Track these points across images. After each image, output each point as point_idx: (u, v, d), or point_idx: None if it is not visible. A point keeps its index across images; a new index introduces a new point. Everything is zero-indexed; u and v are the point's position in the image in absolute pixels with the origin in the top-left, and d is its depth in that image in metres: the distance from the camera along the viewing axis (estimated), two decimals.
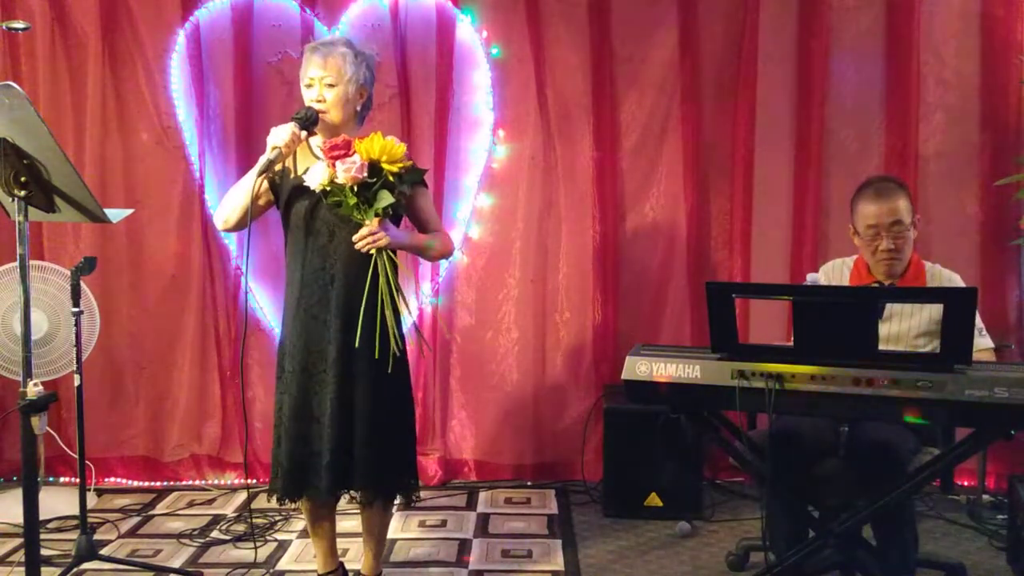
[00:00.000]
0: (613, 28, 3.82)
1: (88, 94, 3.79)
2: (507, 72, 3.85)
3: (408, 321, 2.69)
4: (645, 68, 3.84)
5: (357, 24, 3.85)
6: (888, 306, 2.68)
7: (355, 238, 2.41)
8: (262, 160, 2.42)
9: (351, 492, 2.57)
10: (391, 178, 2.39)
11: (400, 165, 2.41)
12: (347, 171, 2.33)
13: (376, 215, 2.40)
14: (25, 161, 2.15)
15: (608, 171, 3.86)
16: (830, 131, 3.79)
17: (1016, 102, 3.70)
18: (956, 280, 2.73)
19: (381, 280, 2.43)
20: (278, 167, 2.51)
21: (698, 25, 3.80)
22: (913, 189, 3.63)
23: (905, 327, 2.67)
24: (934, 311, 2.61)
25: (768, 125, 3.80)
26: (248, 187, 2.47)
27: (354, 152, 2.36)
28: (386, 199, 2.39)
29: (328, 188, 2.37)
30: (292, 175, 2.51)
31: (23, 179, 2.16)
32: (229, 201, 2.54)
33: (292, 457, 2.50)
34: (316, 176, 2.38)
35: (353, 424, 2.49)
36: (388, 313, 2.44)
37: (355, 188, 2.36)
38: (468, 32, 3.84)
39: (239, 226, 2.56)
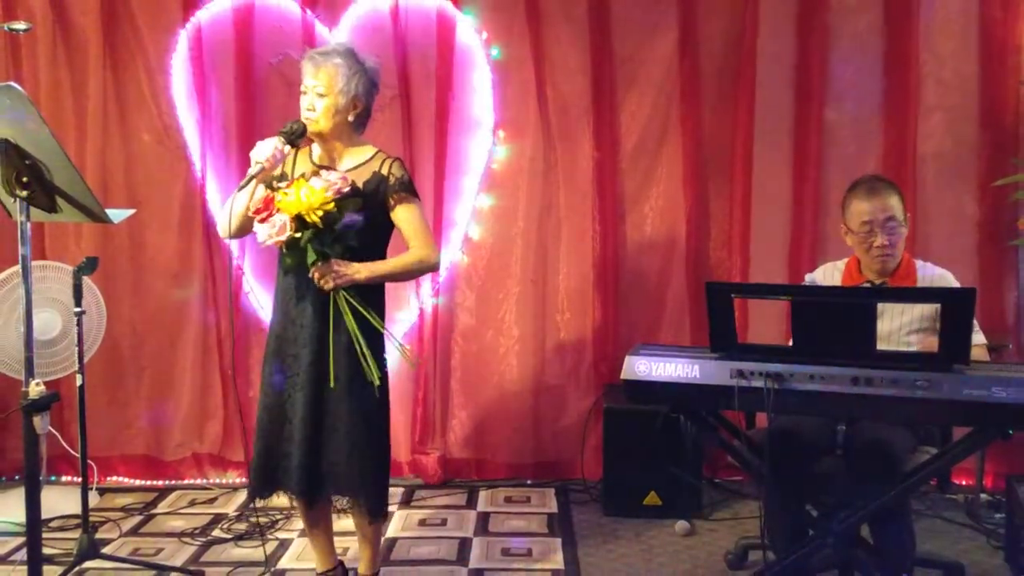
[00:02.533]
0: (613, 28, 3.83)
1: (89, 94, 3.80)
2: (507, 73, 3.86)
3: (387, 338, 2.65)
4: (645, 68, 3.85)
5: (357, 25, 3.86)
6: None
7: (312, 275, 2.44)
8: (247, 175, 2.43)
9: (334, 501, 2.58)
10: (320, 226, 2.37)
11: (325, 211, 2.37)
12: (270, 236, 2.37)
13: (314, 264, 2.41)
14: (27, 161, 2.16)
15: (608, 172, 3.87)
16: (829, 131, 3.80)
17: (1015, 102, 3.70)
18: (947, 277, 2.73)
19: (346, 319, 2.44)
20: (277, 171, 2.53)
21: (698, 25, 3.81)
22: (912, 189, 3.65)
23: (896, 324, 2.68)
24: (926, 307, 2.62)
25: (767, 125, 3.80)
26: (240, 199, 2.51)
27: (276, 211, 2.36)
28: (311, 256, 2.39)
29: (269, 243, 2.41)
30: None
31: (25, 179, 2.17)
32: (226, 212, 2.57)
33: (263, 455, 2.54)
34: (259, 230, 2.43)
35: (324, 429, 2.50)
36: (357, 348, 2.46)
37: (285, 249, 2.41)
38: (468, 33, 3.84)
39: (239, 234, 2.60)
